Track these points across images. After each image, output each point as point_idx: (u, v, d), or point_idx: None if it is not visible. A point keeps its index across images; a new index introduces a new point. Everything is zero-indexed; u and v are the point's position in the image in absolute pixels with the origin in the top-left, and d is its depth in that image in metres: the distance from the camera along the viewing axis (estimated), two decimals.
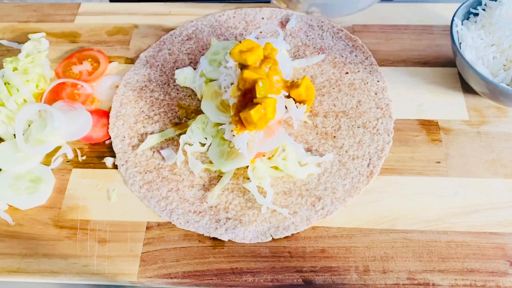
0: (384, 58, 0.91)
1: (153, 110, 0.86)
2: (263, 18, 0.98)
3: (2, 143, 0.82)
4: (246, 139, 0.72)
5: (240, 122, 0.71)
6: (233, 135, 0.72)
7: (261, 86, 0.72)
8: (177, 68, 0.91)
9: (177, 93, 0.88)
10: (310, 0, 0.58)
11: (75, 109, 0.84)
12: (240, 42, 0.79)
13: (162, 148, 0.81)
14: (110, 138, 0.83)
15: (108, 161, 0.81)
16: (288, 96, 0.79)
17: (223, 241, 0.71)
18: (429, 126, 0.81)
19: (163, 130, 0.83)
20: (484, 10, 0.84)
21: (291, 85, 0.80)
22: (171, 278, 0.68)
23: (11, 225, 0.75)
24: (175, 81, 0.89)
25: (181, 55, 0.94)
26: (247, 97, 0.73)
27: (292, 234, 0.71)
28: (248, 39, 0.77)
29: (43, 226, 0.74)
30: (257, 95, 0.71)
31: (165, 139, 0.82)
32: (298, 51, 0.92)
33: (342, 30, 0.95)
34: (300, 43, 0.94)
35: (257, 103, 0.70)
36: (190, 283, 0.68)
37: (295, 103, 0.80)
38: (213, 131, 0.79)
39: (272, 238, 0.71)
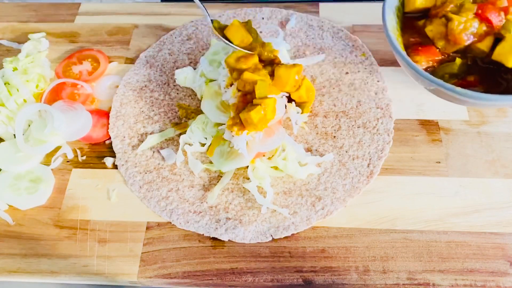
0: (384, 58, 0.91)
1: (153, 110, 0.86)
2: (263, 18, 0.98)
3: (2, 143, 0.82)
4: (245, 139, 0.72)
5: (239, 123, 0.71)
6: (233, 136, 0.72)
7: (260, 87, 0.72)
8: (177, 68, 0.91)
9: (177, 93, 0.88)
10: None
11: (75, 109, 0.84)
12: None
13: (162, 148, 0.81)
14: (110, 138, 0.83)
15: (108, 161, 0.81)
16: (289, 99, 0.79)
17: (223, 241, 0.71)
18: (429, 126, 0.81)
19: (163, 130, 0.83)
20: None
21: None
22: (171, 278, 0.68)
23: (11, 225, 0.75)
24: (175, 81, 0.89)
25: (181, 55, 0.94)
26: (247, 98, 0.73)
27: (292, 234, 0.71)
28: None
29: (43, 226, 0.74)
30: (257, 96, 0.71)
31: (165, 139, 0.82)
32: (298, 51, 0.92)
33: (342, 30, 0.95)
34: (300, 43, 0.94)
35: (257, 104, 0.70)
36: (190, 283, 0.68)
37: (296, 105, 0.80)
38: (213, 131, 0.79)
39: (272, 238, 0.71)
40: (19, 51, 0.94)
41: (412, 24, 0.63)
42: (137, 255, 0.70)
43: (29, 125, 0.84)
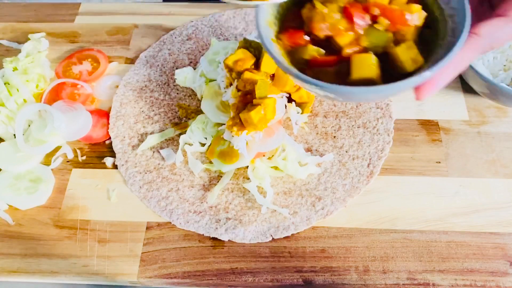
0: None
1: (153, 110, 0.86)
2: None
3: (2, 143, 0.82)
4: (245, 139, 0.72)
5: (239, 123, 0.71)
6: (232, 136, 0.72)
7: (261, 86, 0.72)
8: (177, 68, 0.91)
9: (177, 93, 0.88)
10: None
11: (75, 109, 0.84)
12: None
13: (162, 148, 0.81)
14: (110, 138, 0.83)
15: (108, 161, 0.81)
16: (289, 99, 0.79)
17: (223, 241, 0.71)
18: (429, 126, 0.81)
19: (163, 130, 0.83)
20: None
21: None
22: (171, 278, 0.68)
23: (11, 225, 0.75)
24: (175, 81, 0.89)
25: (181, 55, 0.94)
26: (247, 98, 0.73)
27: (292, 234, 0.71)
28: (242, 49, 0.77)
29: (43, 226, 0.74)
30: (257, 96, 0.71)
31: (165, 139, 0.82)
32: None
33: None
34: None
35: (257, 104, 0.70)
36: (190, 283, 0.68)
37: (296, 105, 0.80)
38: (213, 131, 0.79)
39: (272, 238, 0.71)
40: (19, 51, 0.94)
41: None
42: (137, 255, 0.70)
43: (29, 125, 0.84)
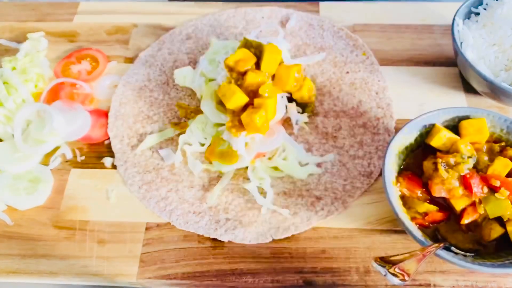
0: (385, 58, 0.91)
1: (152, 110, 0.85)
2: (263, 17, 0.98)
3: (0, 143, 0.82)
4: (244, 140, 0.71)
5: (238, 125, 0.71)
6: (231, 137, 0.72)
7: (266, 87, 0.72)
8: (176, 68, 0.90)
9: (177, 93, 0.88)
10: None
11: (74, 109, 0.84)
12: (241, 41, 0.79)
13: (161, 148, 0.80)
14: (109, 138, 0.83)
15: (107, 161, 0.80)
16: (290, 99, 0.79)
17: (223, 242, 0.71)
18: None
19: (163, 130, 0.82)
20: (485, 9, 0.84)
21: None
22: (170, 279, 0.68)
23: (10, 226, 0.74)
24: (174, 81, 0.89)
25: (181, 54, 0.93)
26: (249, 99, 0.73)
27: (293, 235, 0.71)
28: (242, 49, 0.77)
29: (42, 227, 0.74)
30: (261, 95, 0.71)
31: (165, 139, 0.82)
32: (298, 50, 0.92)
33: (343, 30, 0.94)
34: (300, 42, 0.93)
35: (258, 107, 0.70)
36: (190, 284, 0.68)
37: (297, 105, 0.80)
38: (213, 131, 0.79)
39: (272, 239, 0.70)
40: (17, 50, 0.94)
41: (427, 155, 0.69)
42: (136, 256, 0.70)
43: (28, 125, 0.83)
